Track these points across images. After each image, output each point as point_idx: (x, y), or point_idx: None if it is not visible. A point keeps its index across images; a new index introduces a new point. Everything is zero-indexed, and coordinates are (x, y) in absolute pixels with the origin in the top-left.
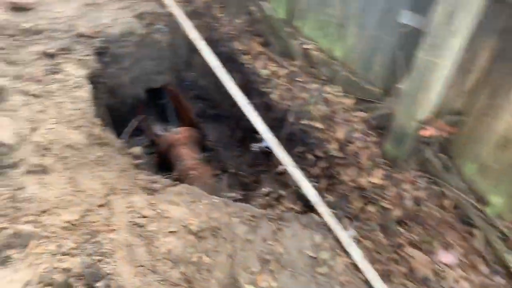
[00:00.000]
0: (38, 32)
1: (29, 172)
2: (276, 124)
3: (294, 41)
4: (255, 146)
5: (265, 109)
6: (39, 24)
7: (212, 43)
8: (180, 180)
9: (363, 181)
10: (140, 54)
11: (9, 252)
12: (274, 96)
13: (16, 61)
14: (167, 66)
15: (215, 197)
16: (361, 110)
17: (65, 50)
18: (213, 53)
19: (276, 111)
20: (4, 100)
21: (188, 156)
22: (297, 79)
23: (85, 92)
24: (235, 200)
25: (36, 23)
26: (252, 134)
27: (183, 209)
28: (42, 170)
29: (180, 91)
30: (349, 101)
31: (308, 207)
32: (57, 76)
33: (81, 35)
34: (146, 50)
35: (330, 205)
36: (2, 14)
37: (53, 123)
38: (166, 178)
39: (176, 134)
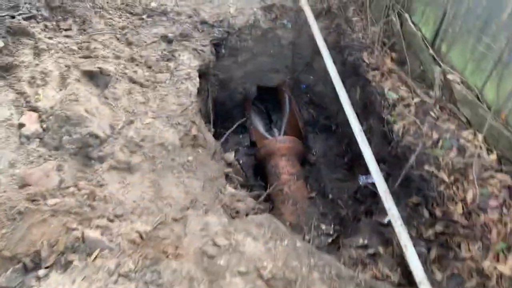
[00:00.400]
0: (162, 13)
1: (114, 168)
2: (392, 161)
3: (435, 67)
4: (362, 179)
5: (382, 138)
6: (165, 4)
7: (339, 48)
8: (271, 195)
9: (488, 265)
10: (259, 49)
11: (72, 257)
12: (397, 126)
13: (134, 42)
14: (285, 65)
15: (299, 239)
16: (505, 173)
17: (184, 37)
18: (336, 61)
19: (395, 145)
20: (109, 87)
21: (284, 170)
22: (429, 112)
23: (193, 86)
24: (326, 237)
25: (162, 3)
26: (362, 160)
27: (260, 246)
28: (127, 168)
29: (294, 94)
30: (491, 158)
31: (408, 282)
32: (170, 64)
33: (203, 22)
34: (266, 46)
35: (437, 285)
36: None
37: (151, 117)
38: (256, 193)
39: (277, 143)
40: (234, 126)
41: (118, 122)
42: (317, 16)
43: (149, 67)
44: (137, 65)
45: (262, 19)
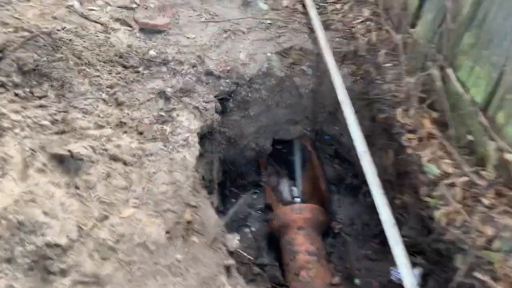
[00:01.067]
0: (162, 63)
1: (79, 283)
2: (431, 256)
3: (488, 141)
4: (395, 274)
5: (420, 222)
6: (165, 52)
7: (368, 101)
8: (287, 278)
9: None
10: (273, 100)
11: None
12: (439, 213)
13: (124, 102)
14: (305, 115)
15: None
16: None
17: (185, 92)
18: (363, 116)
19: (437, 239)
20: (82, 172)
21: (302, 248)
22: (481, 199)
23: (191, 155)
24: None
25: (162, 51)
26: None
27: None
28: (96, 281)
29: (316, 147)
30: None
31: None
32: (165, 127)
33: (208, 73)
34: (282, 96)
35: None
36: (130, 36)
37: (132, 206)
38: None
39: (293, 212)
40: (238, 203)
41: (87, 222)
42: (341, 60)
43: (140, 133)
44: (125, 132)
45: (277, 66)
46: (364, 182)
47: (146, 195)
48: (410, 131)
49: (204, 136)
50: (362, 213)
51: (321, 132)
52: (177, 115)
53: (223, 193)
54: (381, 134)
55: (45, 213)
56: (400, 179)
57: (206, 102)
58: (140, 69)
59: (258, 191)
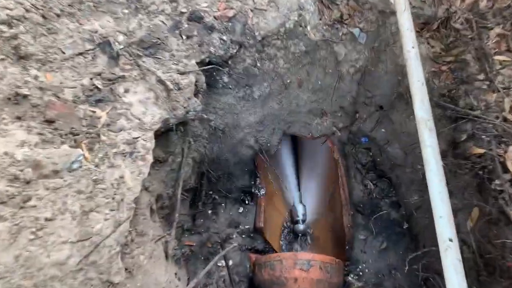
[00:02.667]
0: None
1: None
2: None
3: None
4: None
5: None
6: None
7: (450, 112)
8: None
9: None
10: (295, 77)
11: None
12: None
13: (34, 54)
14: (340, 106)
15: None
16: None
17: (148, 47)
18: (440, 137)
19: None
20: None
21: None
22: None
23: (135, 176)
24: None
25: None
26: None
27: None
28: None
29: (345, 155)
30: None
31: None
32: (98, 113)
33: (194, 18)
34: (311, 71)
35: None
36: None
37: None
38: None
39: (296, 267)
40: (211, 264)
41: None
42: (419, 30)
43: (48, 122)
44: (18, 117)
45: (312, 21)
46: (411, 220)
47: (21, 269)
48: None
49: (170, 130)
50: (399, 269)
51: (357, 134)
52: (126, 91)
53: (194, 203)
54: (465, 176)
55: None
56: (489, 266)
57: (181, 74)
58: None
59: (248, 202)
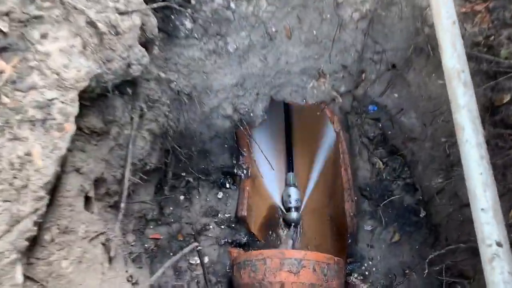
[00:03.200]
0: None
1: None
2: None
3: None
4: None
5: None
6: None
7: (491, 69)
8: None
9: None
10: (282, 24)
11: None
12: None
13: None
14: (342, 63)
15: None
16: None
17: None
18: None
19: None
20: None
21: None
22: None
23: (47, 158)
24: None
25: None
26: None
27: None
28: None
29: (348, 126)
30: None
31: None
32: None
33: None
34: (304, 17)
35: None
36: None
37: None
38: None
39: (284, 269)
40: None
41: None
42: None
43: None
44: None
45: None
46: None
47: None
48: None
49: (108, 92)
50: (415, 268)
51: (363, 100)
52: (42, 36)
53: (160, 189)
54: (509, 150)
55: None
56: None
57: (121, 13)
58: None
59: (229, 186)
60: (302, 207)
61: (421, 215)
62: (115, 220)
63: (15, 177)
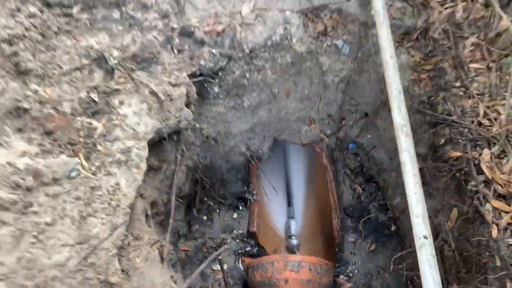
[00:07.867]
0: (113, 3)
1: None
2: None
3: None
4: None
5: None
6: None
7: (429, 118)
8: None
9: None
10: (283, 87)
11: None
12: None
13: (33, 70)
14: (327, 113)
15: None
16: None
17: (141, 61)
18: (419, 143)
19: None
20: None
21: None
22: None
23: (130, 182)
24: None
25: None
26: None
27: None
28: None
29: (333, 160)
30: None
31: None
32: (95, 124)
33: (185, 32)
34: (298, 82)
35: None
36: None
37: None
38: None
39: (287, 269)
40: (206, 263)
41: None
42: (399, 39)
43: (48, 134)
44: (19, 129)
45: (298, 34)
46: (397, 220)
47: (23, 270)
48: (501, 196)
49: (163, 139)
50: (387, 269)
51: (345, 140)
52: (120, 103)
53: (189, 210)
54: (444, 178)
55: None
56: (467, 262)
57: (173, 85)
58: (74, 10)
59: (241, 208)
60: (300, 225)
61: (392, 229)
62: (161, 233)
63: (111, 199)
